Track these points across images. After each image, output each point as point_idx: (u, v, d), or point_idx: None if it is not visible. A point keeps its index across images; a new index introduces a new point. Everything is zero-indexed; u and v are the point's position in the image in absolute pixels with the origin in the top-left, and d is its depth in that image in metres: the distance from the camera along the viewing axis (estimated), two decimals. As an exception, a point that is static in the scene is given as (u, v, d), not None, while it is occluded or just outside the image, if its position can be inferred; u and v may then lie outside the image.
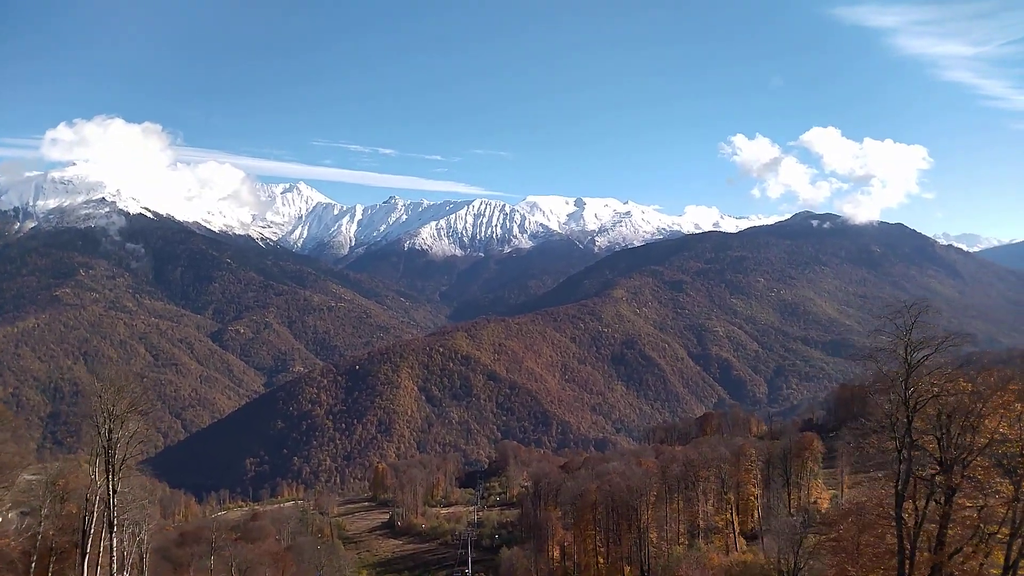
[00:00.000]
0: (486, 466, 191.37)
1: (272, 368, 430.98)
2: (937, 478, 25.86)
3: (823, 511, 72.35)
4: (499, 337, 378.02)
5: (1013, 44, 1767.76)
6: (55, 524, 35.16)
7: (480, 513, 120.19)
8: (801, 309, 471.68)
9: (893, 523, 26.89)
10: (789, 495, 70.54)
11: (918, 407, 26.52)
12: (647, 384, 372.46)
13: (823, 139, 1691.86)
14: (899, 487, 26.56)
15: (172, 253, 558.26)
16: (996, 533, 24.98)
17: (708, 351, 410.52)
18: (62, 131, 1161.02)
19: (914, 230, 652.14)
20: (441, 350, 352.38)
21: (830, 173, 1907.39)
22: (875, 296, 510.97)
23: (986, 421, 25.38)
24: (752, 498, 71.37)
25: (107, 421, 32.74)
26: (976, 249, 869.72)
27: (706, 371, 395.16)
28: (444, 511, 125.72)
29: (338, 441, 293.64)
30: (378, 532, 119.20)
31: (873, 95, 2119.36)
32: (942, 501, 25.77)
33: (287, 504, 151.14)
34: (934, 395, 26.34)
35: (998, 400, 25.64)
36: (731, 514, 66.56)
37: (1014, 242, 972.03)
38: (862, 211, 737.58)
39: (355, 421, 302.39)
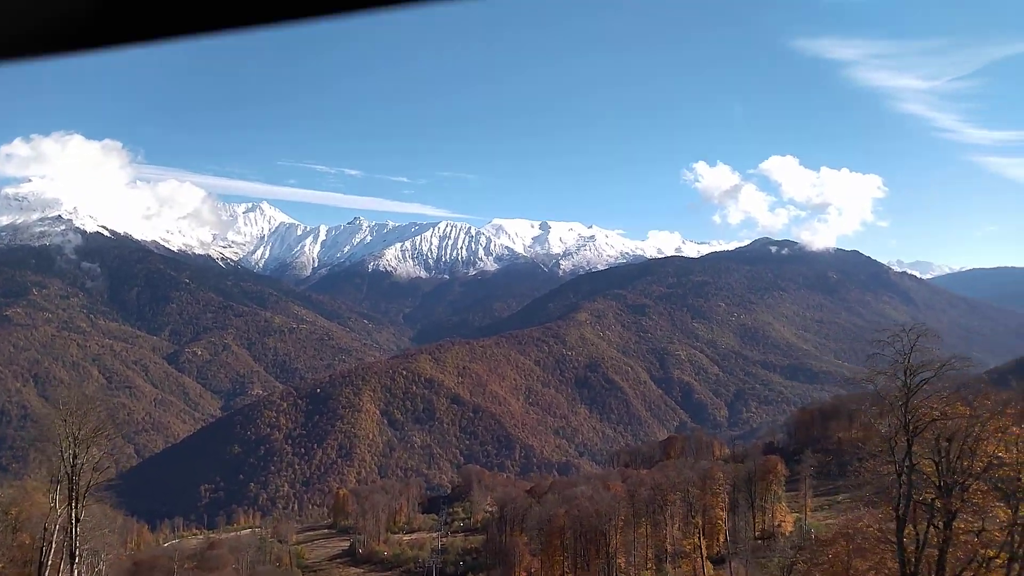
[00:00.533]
0: (449, 491, 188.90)
1: (230, 391, 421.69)
2: (936, 502, 25.81)
3: (787, 534, 72.92)
4: (463, 360, 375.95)
5: (962, 80, 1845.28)
6: (6, 555, 33.45)
7: (444, 539, 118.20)
8: (761, 333, 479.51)
9: (894, 548, 26.75)
10: (754, 518, 70.91)
11: (918, 431, 26.48)
12: (610, 407, 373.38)
13: (782, 167, 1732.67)
14: (900, 512, 26.37)
15: (129, 273, 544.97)
16: (995, 558, 24.94)
17: (670, 375, 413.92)
18: (18, 146, 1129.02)
19: (869, 257, 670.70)
20: (404, 373, 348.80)
21: (788, 200, 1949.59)
22: (832, 321, 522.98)
23: (984, 445, 25.45)
24: (719, 522, 71.60)
25: (71, 446, 31.30)
26: (928, 276, 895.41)
27: (668, 394, 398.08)
28: (407, 538, 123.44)
29: (297, 466, 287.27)
30: (339, 560, 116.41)
31: (831, 125, 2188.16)
32: (941, 526, 25.67)
33: (244, 532, 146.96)
34: (933, 419, 26.36)
35: (995, 424, 25.76)
36: (698, 538, 66.60)
37: (964, 270, 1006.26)
38: (819, 238, 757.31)
39: (315, 446, 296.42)
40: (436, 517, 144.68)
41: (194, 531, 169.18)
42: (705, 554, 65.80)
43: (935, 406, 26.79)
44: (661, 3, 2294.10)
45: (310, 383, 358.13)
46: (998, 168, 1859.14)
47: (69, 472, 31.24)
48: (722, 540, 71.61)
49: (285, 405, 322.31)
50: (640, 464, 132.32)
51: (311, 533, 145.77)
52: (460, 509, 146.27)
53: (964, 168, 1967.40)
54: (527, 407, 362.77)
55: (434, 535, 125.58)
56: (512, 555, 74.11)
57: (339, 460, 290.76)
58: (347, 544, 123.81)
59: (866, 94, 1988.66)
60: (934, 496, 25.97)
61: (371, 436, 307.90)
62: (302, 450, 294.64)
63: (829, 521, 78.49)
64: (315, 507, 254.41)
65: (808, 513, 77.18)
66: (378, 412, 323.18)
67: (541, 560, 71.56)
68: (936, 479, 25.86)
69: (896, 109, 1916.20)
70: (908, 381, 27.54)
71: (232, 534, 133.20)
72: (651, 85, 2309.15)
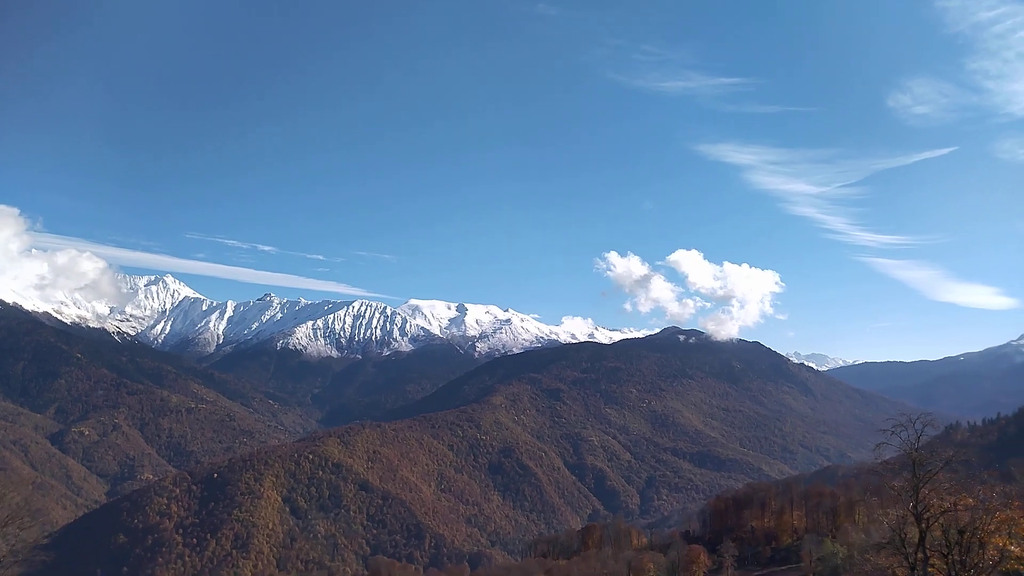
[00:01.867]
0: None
1: (118, 475, 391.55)
2: None
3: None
4: (374, 444, 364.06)
5: (848, 187, 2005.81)
6: None
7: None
8: (670, 420, 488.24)
9: None
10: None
11: (930, 523, 26.18)
12: (523, 494, 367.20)
13: (688, 260, 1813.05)
14: None
15: (15, 344, 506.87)
16: None
17: (584, 460, 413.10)
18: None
19: (769, 348, 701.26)
20: (311, 456, 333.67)
21: (695, 292, 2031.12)
22: (737, 409, 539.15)
23: (994, 538, 25.31)
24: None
25: None
26: (824, 368, 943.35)
27: (581, 481, 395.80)
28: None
29: (187, 558, 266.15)
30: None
31: (731, 222, 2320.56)
32: None
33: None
34: (944, 510, 26.22)
35: (1003, 516, 25.79)
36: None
37: (857, 363, 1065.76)
38: (724, 328, 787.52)
39: (208, 535, 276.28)
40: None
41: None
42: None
43: (945, 498, 26.79)
44: (573, 102, 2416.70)
45: (207, 467, 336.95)
46: (885, 269, 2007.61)
47: None
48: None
49: (177, 491, 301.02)
50: (558, 554, 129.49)
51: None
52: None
53: (854, 268, 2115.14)
54: (439, 494, 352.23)
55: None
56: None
57: (234, 551, 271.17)
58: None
59: (763, 196, 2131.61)
60: None
61: (271, 525, 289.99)
62: (194, 540, 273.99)
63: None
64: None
65: (729, 604, 77.19)
66: (280, 499, 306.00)
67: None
68: (947, 571, 25.63)
69: (790, 211, 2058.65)
70: (917, 472, 27.37)
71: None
72: (563, 177, 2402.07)
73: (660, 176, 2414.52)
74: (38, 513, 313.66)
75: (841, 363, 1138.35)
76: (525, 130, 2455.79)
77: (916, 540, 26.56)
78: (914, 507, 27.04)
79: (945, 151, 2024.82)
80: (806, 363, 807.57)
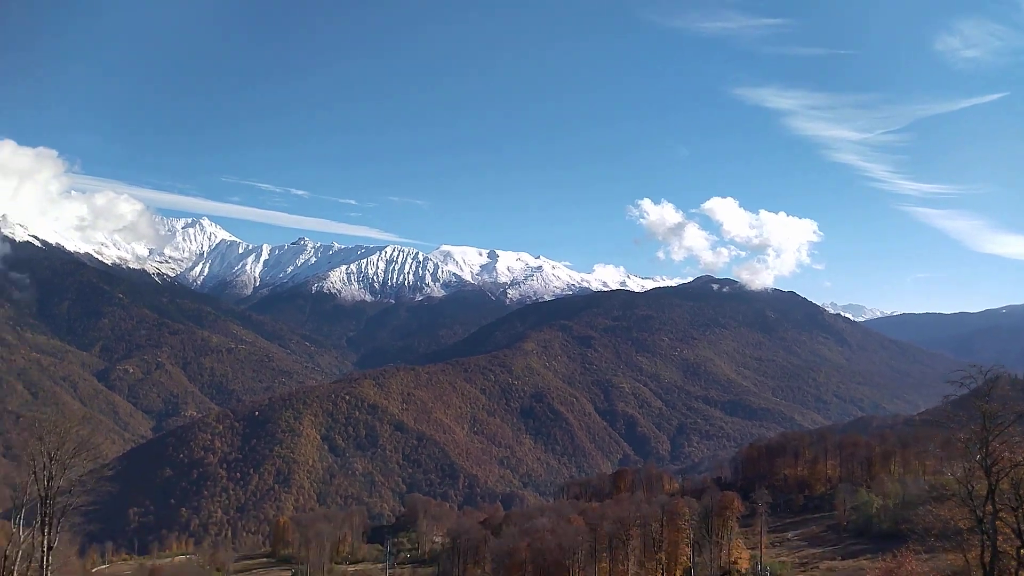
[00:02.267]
0: (394, 521, 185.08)
1: (162, 412, 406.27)
2: (1022, 552, 25.06)
3: (744, 571, 73.68)
4: (408, 386, 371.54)
5: (891, 134, 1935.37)
6: None
7: (391, 571, 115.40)
8: (702, 369, 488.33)
9: None
10: (711, 554, 71.45)
11: (1000, 477, 25.77)
12: (555, 438, 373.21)
13: (723, 208, 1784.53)
14: (989, 561, 25.36)
15: (59, 285, 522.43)
16: None
17: (614, 407, 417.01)
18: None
19: (805, 298, 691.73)
20: (347, 398, 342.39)
21: (729, 240, 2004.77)
22: (770, 359, 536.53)
23: None
24: (683, 557, 71.80)
25: (47, 468, 29.27)
26: (861, 319, 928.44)
27: (612, 426, 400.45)
28: (351, 569, 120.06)
29: (232, 492, 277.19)
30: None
31: (769, 170, 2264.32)
32: None
33: (178, 558, 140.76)
34: (1015, 464, 25.81)
35: None
36: (661, 573, 66.63)
37: (895, 314, 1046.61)
38: (758, 278, 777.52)
39: (251, 470, 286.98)
40: (381, 548, 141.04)
41: (124, 557, 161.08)
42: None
43: (1016, 451, 26.30)
44: (609, 47, 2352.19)
45: (248, 405, 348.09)
46: (927, 219, 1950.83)
47: (44, 495, 29.22)
48: (679, 575, 71.92)
49: (221, 428, 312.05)
50: (590, 497, 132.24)
51: (248, 562, 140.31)
52: (406, 540, 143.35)
53: (895, 217, 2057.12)
54: (471, 436, 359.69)
55: (379, 566, 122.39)
56: (470, 588, 72.86)
57: (276, 486, 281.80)
58: (288, 574, 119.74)
59: (803, 142, 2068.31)
60: (1020, 546, 25.36)
61: (311, 462, 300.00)
62: (237, 475, 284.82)
63: (783, 559, 79.74)
64: (250, 535, 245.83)
65: (763, 550, 78.35)
66: (319, 437, 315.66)
67: (503, 594, 70.40)
68: (1015, 525, 25.39)
69: (831, 158, 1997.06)
70: (988, 424, 26.73)
71: (166, 560, 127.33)
72: (598, 123, 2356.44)
73: (696, 121, 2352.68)
74: (89, 447, 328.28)
75: (879, 314, 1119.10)
76: (558, 76, 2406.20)
77: (984, 494, 26.05)
78: (983, 460, 26.36)
79: (994, 97, 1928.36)
80: (842, 313, 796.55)
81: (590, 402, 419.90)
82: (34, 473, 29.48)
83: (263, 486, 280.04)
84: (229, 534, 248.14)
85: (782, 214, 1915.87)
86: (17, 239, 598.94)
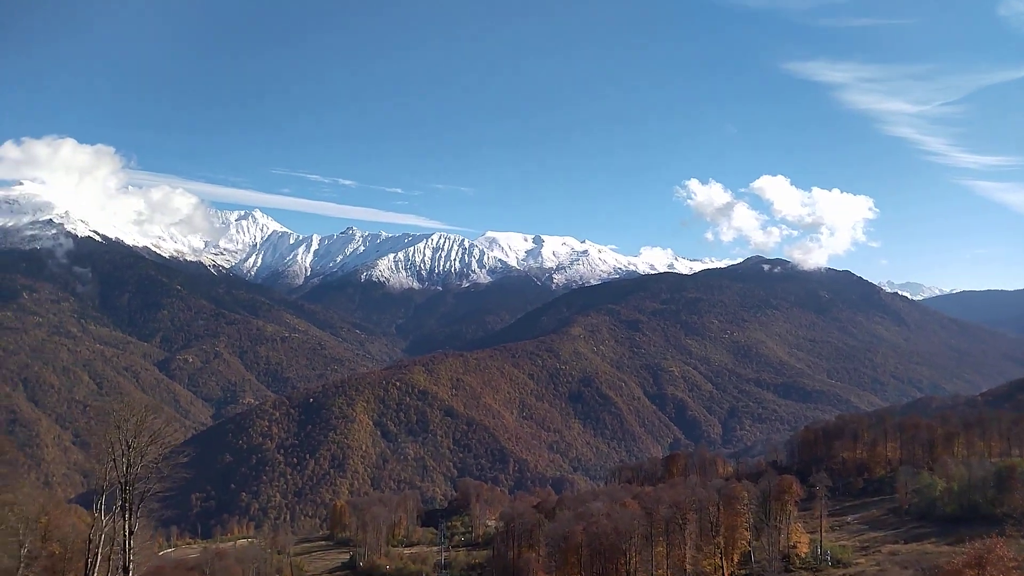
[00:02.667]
0: (446, 505, 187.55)
1: (221, 399, 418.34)
2: None
3: (803, 556, 72.52)
4: (457, 372, 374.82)
5: (949, 105, 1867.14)
6: (39, 565, 32.46)
7: (446, 554, 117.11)
8: (753, 351, 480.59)
9: None
10: (770, 539, 70.44)
11: None
12: (604, 422, 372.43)
13: (773, 187, 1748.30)
14: None
15: (120, 278, 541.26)
16: None
17: (664, 391, 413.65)
18: (9, 149, 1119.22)
19: (860, 277, 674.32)
20: (398, 384, 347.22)
21: (780, 220, 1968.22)
22: (824, 340, 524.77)
23: None
24: (742, 542, 71.02)
25: (125, 454, 30.42)
26: (919, 298, 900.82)
27: (662, 410, 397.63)
28: (407, 551, 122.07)
29: (289, 476, 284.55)
30: (338, 573, 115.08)
31: (821, 146, 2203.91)
32: None
33: (240, 542, 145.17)
34: None
35: None
36: (719, 558, 66.07)
37: (954, 292, 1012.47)
38: (811, 257, 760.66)
39: (307, 456, 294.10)
40: (435, 531, 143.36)
41: (188, 541, 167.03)
42: (727, 574, 65.33)
43: None
44: (655, 24, 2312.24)
45: (303, 392, 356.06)
46: (987, 192, 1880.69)
47: (123, 481, 30.37)
48: (736, 560, 71.14)
49: (277, 414, 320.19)
50: (643, 481, 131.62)
51: (308, 545, 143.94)
52: (459, 523, 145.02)
53: (954, 191, 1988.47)
54: (521, 421, 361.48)
55: (434, 549, 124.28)
56: (524, 572, 73.27)
57: (332, 471, 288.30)
58: (346, 557, 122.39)
59: (856, 117, 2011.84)
60: None
61: (364, 447, 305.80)
62: (294, 460, 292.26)
63: (843, 542, 78.21)
64: (307, 518, 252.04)
65: (823, 534, 76.91)
66: (371, 423, 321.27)
67: (557, 578, 70.69)
68: None
69: (886, 132, 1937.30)
70: None
71: (229, 544, 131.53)
72: (644, 104, 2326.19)
73: (744, 99, 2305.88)
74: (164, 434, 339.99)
75: (937, 292, 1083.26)
76: (603, 59, 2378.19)
77: None
78: None
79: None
80: (899, 292, 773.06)
81: (639, 386, 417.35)
82: (113, 460, 30.57)
83: (319, 471, 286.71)
84: (287, 518, 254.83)
85: (835, 191, 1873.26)
86: (79, 235, 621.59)
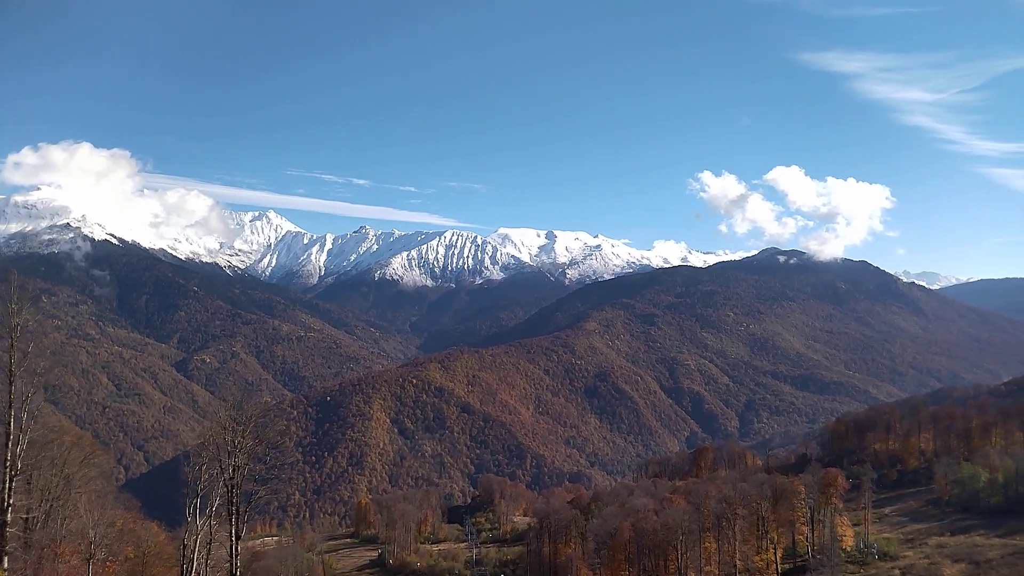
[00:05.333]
0: (468, 501, 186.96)
1: (238, 399, 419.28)
2: None
3: (848, 549, 71.12)
4: (472, 368, 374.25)
5: (967, 93, 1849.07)
6: (122, 568, 31.67)
7: (476, 550, 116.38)
8: (770, 343, 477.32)
9: None
10: (814, 532, 69.06)
11: None
12: (620, 417, 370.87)
13: (787, 177, 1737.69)
14: None
15: (137, 280, 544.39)
16: None
17: (680, 384, 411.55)
18: (26, 155, 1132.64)
19: (877, 267, 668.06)
20: (414, 381, 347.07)
21: (795, 210, 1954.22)
22: (841, 332, 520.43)
23: None
24: (799, 536, 69.66)
25: (231, 456, 29.47)
26: (936, 287, 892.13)
27: (678, 404, 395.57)
28: (436, 548, 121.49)
29: (308, 475, 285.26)
30: (368, 571, 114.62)
31: (836, 136, 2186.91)
32: None
33: (265, 539, 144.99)
34: None
35: None
36: (772, 553, 64.76)
37: (972, 281, 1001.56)
38: (827, 248, 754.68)
39: (326, 454, 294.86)
40: (460, 528, 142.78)
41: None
42: (781, 570, 63.98)
43: None
44: (666, 14, 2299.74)
45: (320, 391, 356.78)
46: (1005, 179, 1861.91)
47: (229, 484, 29.60)
48: (780, 555, 69.70)
49: (295, 413, 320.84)
50: (671, 475, 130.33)
51: (333, 543, 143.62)
52: (484, 520, 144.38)
53: (971, 179, 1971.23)
54: (537, 416, 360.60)
55: (462, 546, 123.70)
56: (566, 569, 72.29)
57: (350, 469, 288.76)
58: (374, 554, 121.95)
59: (872, 106, 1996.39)
60: None
61: (382, 444, 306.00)
62: (313, 458, 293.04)
63: (886, 535, 76.72)
64: (327, 516, 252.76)
65: (868, 527, 75.46)
66: (388, 420, 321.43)
67: (604, 574, 69.53)
68: None
69: (902, 121, 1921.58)
70: None
71: (257, 542, 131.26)
72: (656, 94, 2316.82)
73: (758, 90, 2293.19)
74: (171, 435, 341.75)
75: (955, 281, 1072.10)
76: (615, 49, 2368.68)
77: None
78: None
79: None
80: (917, 282, 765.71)
81: (655, 380, 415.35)
82: (219, 462, 29.80)
83: (337, 468, 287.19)
84: (308, 516, 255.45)
85: (851, 181, 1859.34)
86: (96, 238, 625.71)
